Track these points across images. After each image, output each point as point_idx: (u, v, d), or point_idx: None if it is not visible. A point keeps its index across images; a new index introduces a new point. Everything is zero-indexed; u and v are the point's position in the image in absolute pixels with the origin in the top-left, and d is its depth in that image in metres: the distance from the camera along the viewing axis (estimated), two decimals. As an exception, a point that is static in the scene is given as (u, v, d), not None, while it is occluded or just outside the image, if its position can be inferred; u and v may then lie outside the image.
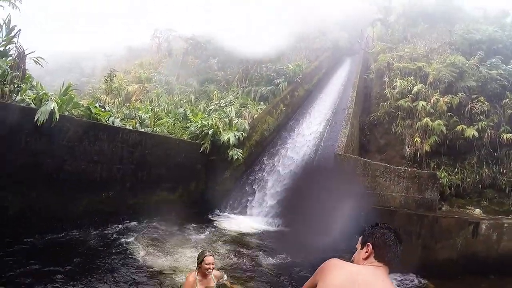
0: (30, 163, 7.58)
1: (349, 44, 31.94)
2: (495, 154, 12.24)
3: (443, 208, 11.23)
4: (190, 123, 13.98)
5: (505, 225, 9.28)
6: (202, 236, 9.58)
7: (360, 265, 2.04)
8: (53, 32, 35.51)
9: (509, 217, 10.68)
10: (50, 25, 36.46)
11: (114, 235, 8.73)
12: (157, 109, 15.14)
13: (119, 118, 11.81)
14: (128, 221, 9.85)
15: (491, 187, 11.82)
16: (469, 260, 8.68)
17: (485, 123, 12.54)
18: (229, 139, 12.70)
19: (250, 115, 15.74)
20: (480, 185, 11.91)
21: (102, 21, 42.12)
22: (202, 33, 27.42)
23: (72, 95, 9.59)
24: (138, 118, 12.97)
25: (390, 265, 2.01)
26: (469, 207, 11.39)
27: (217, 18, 30.26)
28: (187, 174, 12.17)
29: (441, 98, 13.31)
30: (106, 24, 40.34)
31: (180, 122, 14.70)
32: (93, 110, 9.77)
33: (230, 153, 12.69)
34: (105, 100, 15.74)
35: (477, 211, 11.08)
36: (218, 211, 12.63)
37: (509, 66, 13.70)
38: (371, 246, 2.04)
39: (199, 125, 13.07)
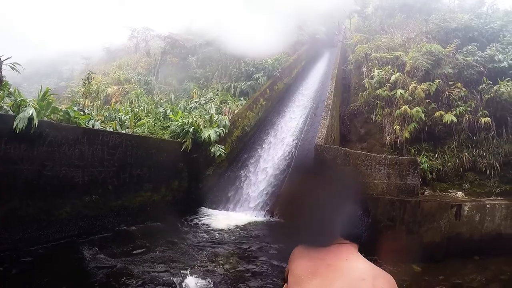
0: (10, 170, 7.50)
1: (327, 37, 32.20)
2: (474, 138, 12.43)
3: (425, 193, 11.38)
4: (170, 122, 13.92)
5: (488, 206, 9.45)
6: (189, 236, 9.55)
7: (323, 248, 1.85)
8: (28, 36, 35.04)
9: (491, 198, 10.90)
10: (24, 30, 35.91)
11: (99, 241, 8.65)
12: (137, 110, 15.06)
13: (99, 121, 11.71)
14: (112, 225, 9.78)
15: (472, 170, 11.99)
16: (454, 242, 8.82)
17: (463, 108, 12.71)
18: (209, 135, 12.67)
19: (230, 111, 15.78)
20: (461, 169, 12.07)
21: (78, 23, 41.61)
22: (179, 31, 27.35)
23: (50, 100, 9.46)
24: (118, 120, 12.90)
25: (353, 239, 1.81)
26: (451, 191, 11.54)
27: (194, 15, 30.27)
28: (169, 173, 12.11)
29: (419, 86, 13.45)
30: (83, 26, 39.88)
31: (160, 121, 14.64)
32: (72, 114, 9.67)
33: (212, 150, 12.67)
34: (85, 103, 15.59)
35: (459, 193, 11.26)
36: (204, 208, 12.59)
37: (485, 53, 13.87)
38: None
39: (179, 124, 13.03)
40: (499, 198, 10.79)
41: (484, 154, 11.97)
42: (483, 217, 9.31)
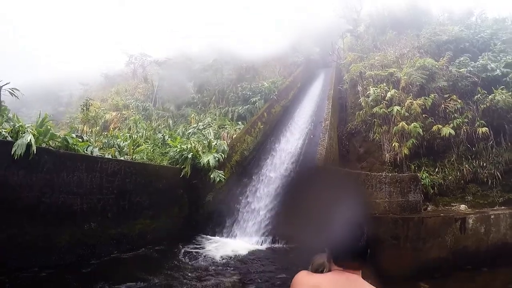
0: (9, 197, 7.48)
1: (321, 57, 32.61)
2: (473, 149, 12.49)
3: (428, 208, 11.39)
4: (169, 148, 13.88)
5: (492, 216, 9.50)
6: (188, 266, 9.33)
7: (323, 275, 1.91)
8: (27, 61, 35.35)
9: (495, 208, 10.90)
10: (23, 54, 36.24)
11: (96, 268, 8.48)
12: (135, 136, 15.04)
13: (97, 148, 11.67)
14: (110, 252, 9.62)
15: (473, 182, 12.00)
16: (461, 256, 8.82)
17: (460, 120, 12.80)
18: (208, 161, 12.61)
19: (228, 135, 15.77)
20: (462, 181, 12.09)
21: (76, 48, 41.99)
22: (176, 56, 27.61)
23: (49, 127, 9.48)
24: (117, 146, 12.87)
25: (352, 268, 1.82)
26: (454, 204, 11.56)
27: (190, 39, 30.65)
28: (169, 200, 11.99)
29: (415, 101, 13.54)
30: (81, 51, 40.26)
31: (159, 148, 14.62)
32: (70, 141, 9.65)
33: (211, 176, 12.59)
34: (83, 129, 15.60)
35: (462, 206, 11.27)
36: (204, 235, 12.33)
37: (478, 63, 14.04)
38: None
39: (178, 150, 13.00)
40: (503, 207, 10.82)
41: (485, 164, 11.99)
42: (488, 228, 9.32)
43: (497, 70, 13.43)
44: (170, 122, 19.60)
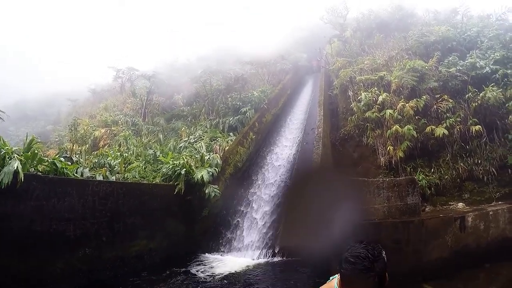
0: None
1: (309, 63, 32.64)
2: (467, 147, 12.52)
3: (426, 209, 11.37)
4: (161, 165, 13.66)
5: (490, 213, 9.54)
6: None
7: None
8: (14, 79, 35.03)
9: (492, 204, 10.92)
10: (9, 72, 35.86)
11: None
12: (126, 154, 14.78)
13: (87, 168, 11.45)
14: (107, 277, 9.36)
15: (470, 179, 12.03)
16: (462, 254, 8.81)
17: (453, 119, 12.79)
18: (202, 176, 12.43)
19: (221, 148, 15.57)
20: (459, 180, 12.10)
21: (63, 63, 41.57)
22: (163, 69, 27.49)
23: (36, 151, 9.24)
24: (108, 166, 12.62)
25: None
26: (452, 203, 11.56)
27: (177, 51, 30.58)
28: (164, 219, 11.78)
29: (407, 104, 13.46)
30: (67, 66, 39.86)
31: (151, 165, 14.39)
32: (59, 165, 9.43)
33: (206, 191, 12.42)
34: (72, 148, 15.29)
35: (460, 204, 11.27)
36: (200, 253, 12.09)
37: (466, 61, 14.06)
38: (339, 276, 1.83)
39: (170, 166, 12.82)
40: (500, 202, 10.85)
41: (479, 161, 12.04)
42: (488, 225, 9.37)
43: (486, 67, 13.46)
44: (161, 136, 19.34)
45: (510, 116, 11.81)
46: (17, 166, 7.51)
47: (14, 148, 8.73)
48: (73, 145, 15.58)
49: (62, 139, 20.85)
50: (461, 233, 9.06)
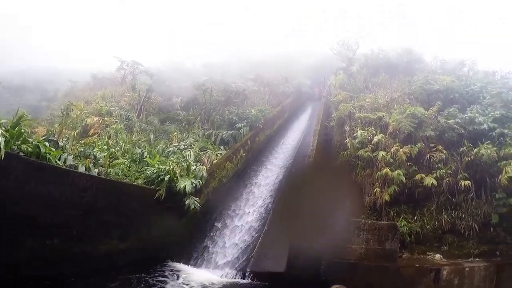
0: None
1: (312, 90, 32.82)
2: (454, 199, 12.43)
3: (403, 256, 11.25)
4: (146, 167, 13.50)
5: (467, 269, 9.51)
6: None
7: None
8: (23, 48, 34.86)
9: (469, 260, 10.89)
10: (20, 42, 35.70)
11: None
12: (113, 149, 14.56)
13: (72, 156, 11.23)
14: (70, 272, 9.10)
15: (451, 232, 11.96)
16: None
17: (444, 171, 12.76)
18: (185, 187, 12.29)
19: (209, 160, 15.39)
20: (440, 231, 12.03)
21: (70, 44, 41.41)
22: (168, 68, 27.45)
23: (23, 130, 9.07)
24: (93, 157, 12.40)
25: None
26: (430, 253, 11.45)
27: (185, 54, 30.57)
28: (140, 221, 11.56)
29: (401, 149, 13.47)
30: (75, 48, 39.70)
31: (136, 164, 14.18)
32: (43, 150, 9.23)
33: (186, 202, 12.27)
34: (61, 131, 15.04)
35: (438, 256, 11.19)
36: (171, 262, 11.92)
37: (466, 115, 14.11)
38: None
39: (155, 170, 12.68)
40: (477, 259, 10.81)
41: (463, 215, 11.96)
42: (462, 280, 9.30)
43: (485, 124, 13.50)
44: (152, 136, 19.11)
45: (500, 176, 11.78)
46: (0, 142, 7.37)
47: (2, 121, 8.56)
48: (62, 129, 15.36)
49: (53, 119, 20.54)
50: (434, 285, 9.03)
